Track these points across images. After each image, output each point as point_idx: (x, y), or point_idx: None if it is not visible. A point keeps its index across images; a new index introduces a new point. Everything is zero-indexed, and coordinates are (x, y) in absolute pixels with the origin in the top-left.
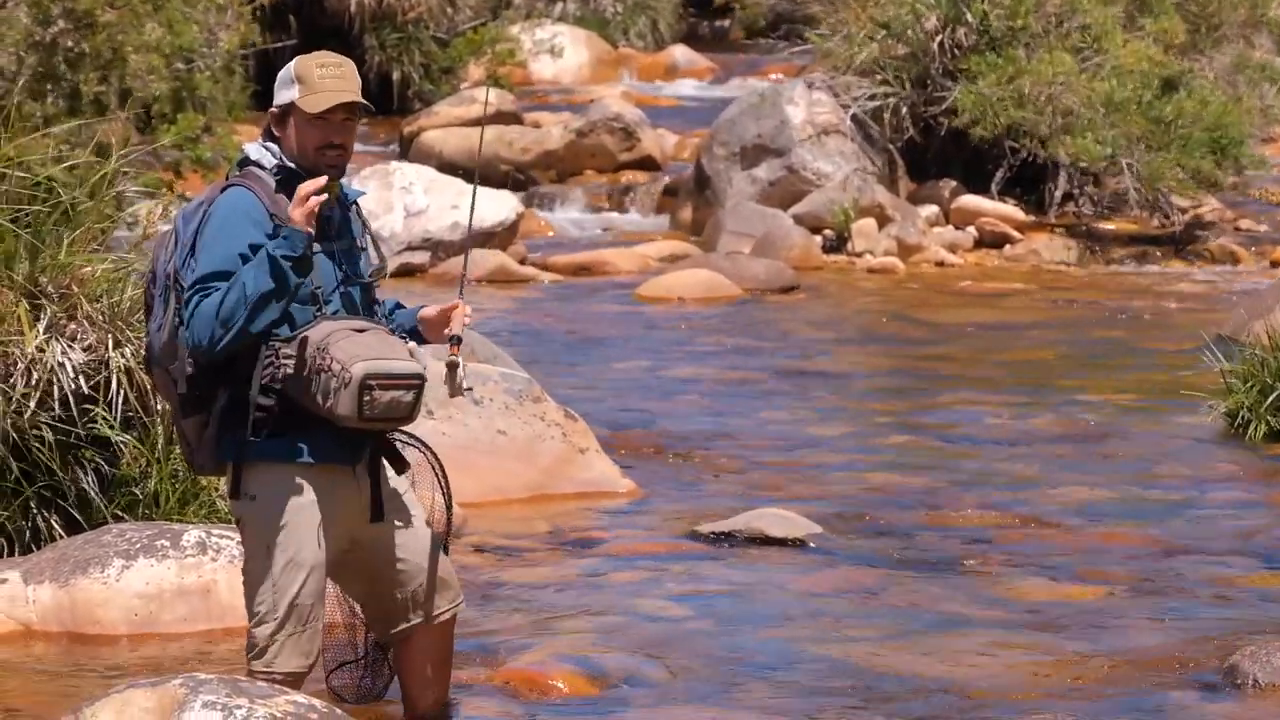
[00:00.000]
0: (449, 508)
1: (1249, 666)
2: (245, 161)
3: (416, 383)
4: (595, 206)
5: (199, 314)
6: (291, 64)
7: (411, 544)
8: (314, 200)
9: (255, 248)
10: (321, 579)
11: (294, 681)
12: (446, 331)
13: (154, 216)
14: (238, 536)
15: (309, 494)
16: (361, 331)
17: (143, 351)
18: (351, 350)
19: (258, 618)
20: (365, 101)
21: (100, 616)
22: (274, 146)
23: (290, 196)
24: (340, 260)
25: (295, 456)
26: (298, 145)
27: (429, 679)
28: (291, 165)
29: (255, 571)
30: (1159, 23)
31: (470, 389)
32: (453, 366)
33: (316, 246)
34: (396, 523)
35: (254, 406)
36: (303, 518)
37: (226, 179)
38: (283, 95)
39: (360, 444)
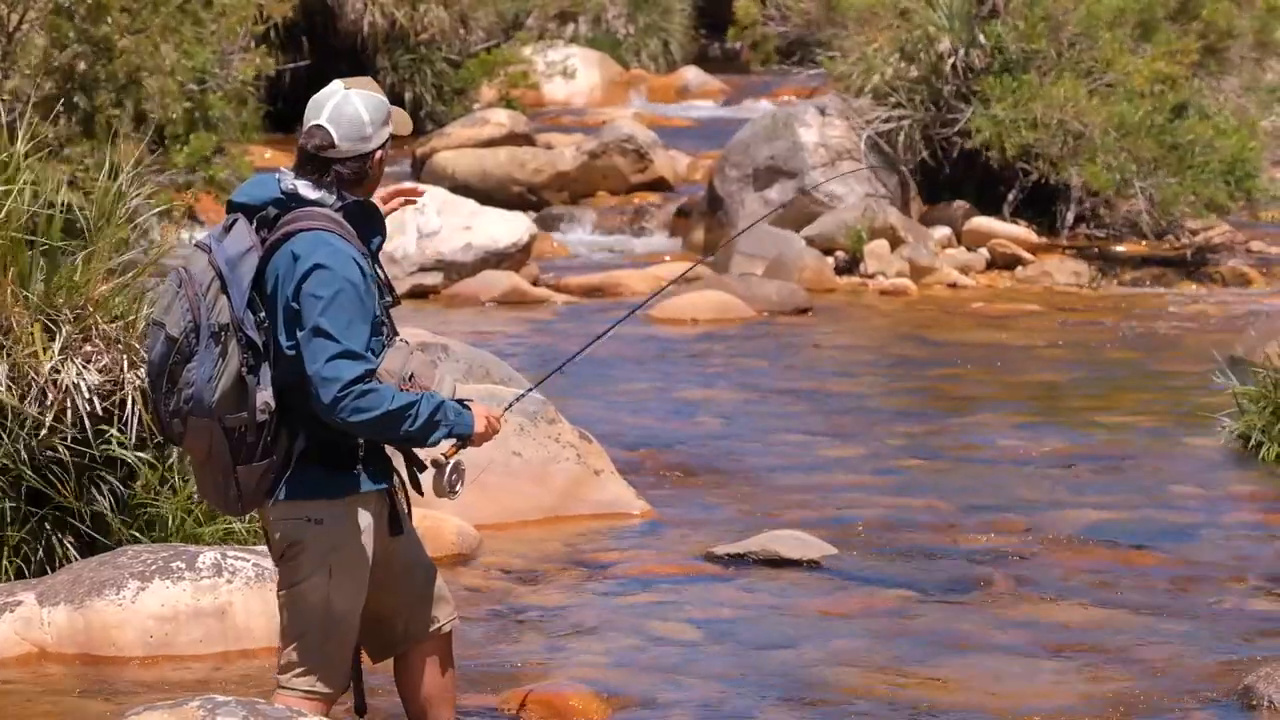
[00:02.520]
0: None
1: (1264, 688)
2: (297, 200)
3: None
4: (608, 228)
5: (366, 401)
6: (376, 99)
7: (417, 555)
8: (495, 433)
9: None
10: (363, 603)
11: (327, 702)
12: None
13: (169, 235)
14: (254, 558)
15: (367, 518)
16: (412, 353)
17: (175, 403)
18: (428, 372)
19: (304, 639)
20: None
21: (116, 638)
22: (330, 187)
23: (357, 231)
24: (381, 284)
25: (366, 484)
26: (380, 178)
27: (436, 697)
28: (353, 200)
29: (309, 594)
30: (1166, 44)
31: (456, 494)
32: (438, 466)
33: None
34: (410, 535)
35: (359, 444)
36: (362, 541)
37: (265, 219)
38: (384, 134)
39: (389, 463)
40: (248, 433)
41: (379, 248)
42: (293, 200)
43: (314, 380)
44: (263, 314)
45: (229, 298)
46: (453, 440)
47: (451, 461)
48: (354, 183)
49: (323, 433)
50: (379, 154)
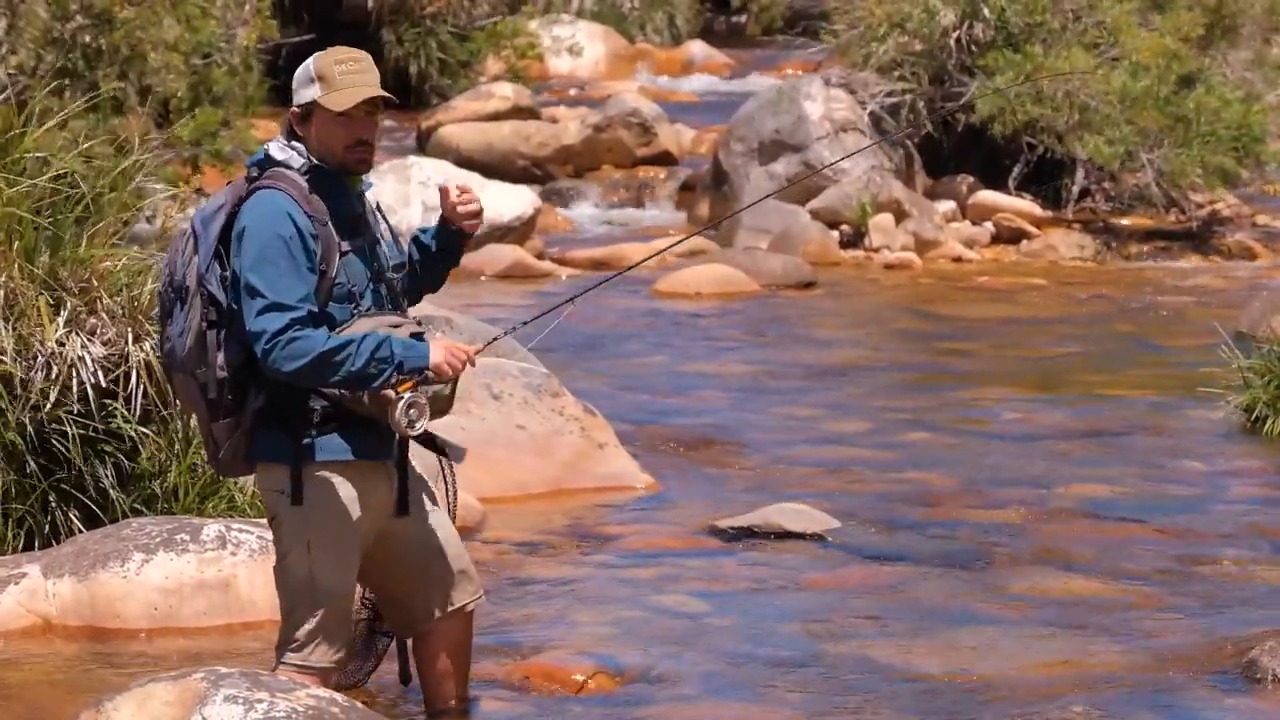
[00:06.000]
0: (454, 502)
1: (1268, 662)
2: (268, 161)
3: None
4: (612, 201)
5: (294, 348)
6: (310, 62)
7: (435, 536)
8: (461, 365)
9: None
10: (355, 575)
11: (325, 676)
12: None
13: (171, 211)
14: (258, 530)
15: (348, 490)
16: (397, 327)
17: (161, 353)
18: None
19: (294, 614)
20: (387, 94)
21: (120, 610)
22: (300, 146)
23: (321, 196)
24: (368, 256)
25: (337, 454)
26: (323, 144)
27: (450, 673)
28: (320, 164)
29: (292, 568)
30: (1174, 18)
31: (415, 432)
32: (390, 401)
33: (347, 245)
34: (421, 515)
35: (313, 409)
36: (341, 514)
37: (249, 181)
38: (304, 94)
39: (393, 437)
40: (210, 388)
41: (356, 216)
42: (266, 161)
43: (250, 337)
44: (228, 271)
45: (198, 254)
46: (410, 375)
47: (406, 397)
48: (303, 136)
49: (279, 393)
50: (314, 117)
